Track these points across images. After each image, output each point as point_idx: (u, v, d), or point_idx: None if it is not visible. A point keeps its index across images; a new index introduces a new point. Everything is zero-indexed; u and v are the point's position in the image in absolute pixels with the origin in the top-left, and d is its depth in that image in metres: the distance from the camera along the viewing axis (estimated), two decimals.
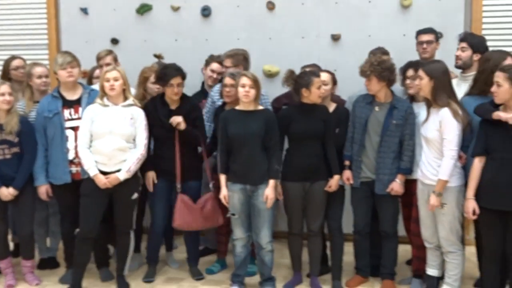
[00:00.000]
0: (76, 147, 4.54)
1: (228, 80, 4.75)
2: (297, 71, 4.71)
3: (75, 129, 4.57)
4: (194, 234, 5.01)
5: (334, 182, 4.54)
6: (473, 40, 4.68)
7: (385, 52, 4.90)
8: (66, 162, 4.59)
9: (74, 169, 4.60)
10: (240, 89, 4.37)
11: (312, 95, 4.45)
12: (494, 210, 3.87)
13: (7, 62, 5.19)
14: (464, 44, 4.68)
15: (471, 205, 3.93)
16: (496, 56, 4.20)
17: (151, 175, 4.73)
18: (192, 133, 4.71)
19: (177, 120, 4.60)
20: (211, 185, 4.78)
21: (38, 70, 4.93)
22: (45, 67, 5.08)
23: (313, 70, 4.65)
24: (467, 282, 4.60)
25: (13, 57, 5.24)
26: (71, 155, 4.58)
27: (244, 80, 4.37)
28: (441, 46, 5.08)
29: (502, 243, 3.91)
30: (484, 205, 3.90)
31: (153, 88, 5.02)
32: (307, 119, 4.50)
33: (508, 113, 3.74)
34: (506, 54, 4.24)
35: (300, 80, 4.48)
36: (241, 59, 5.16)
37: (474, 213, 3.94)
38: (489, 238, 4.00)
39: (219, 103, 5.06)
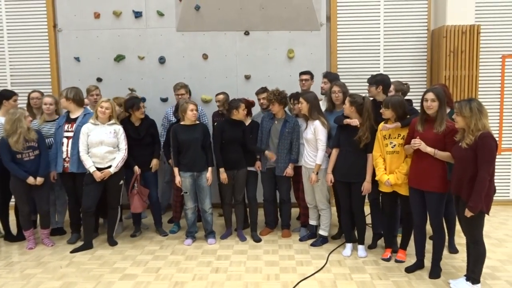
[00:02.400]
0: (67, 150, 4.61)
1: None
2: None
3: (68, 138, 4.63)
4: (157, 207, 5.07)
5: (258, 164, 4.78)
6: (330, 77, 4.94)
7: (266, 90, 4.96)
8: (61, 159, 4.64)
9: (65, 164, 4.65)
10: (190, 112, 4.53)
11: (240, 114, 4.67)
12: (343, 181, 4.25)
13: (29, 94, 5.11)
14: (325, 79, 4.95)
15: (329, 177, 4.31)
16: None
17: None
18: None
19: None
20: (135, 186, 4.81)
21: (44, 100, 4.94)
22: (53, 97, 5.01)
23: (240, 98, 4.82)
24: (333, 228, 4.93)
25: (32, 91, 5.15)
26: (64, 155, 4.63)
27: (193, 107, 4.56)
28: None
29: (349, 202, 4.28)
30: (337, 178, 4.28)
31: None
32: (233, 130, 4.69)
33: (351, 120, 4.16)
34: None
35: (232, 104, 4.68)
36: (188, 90, 5.31)
37: (331, 181, 4.32)
38: (342, 199, 4.37)
39: (173, 119, 5.14)
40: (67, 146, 4.63)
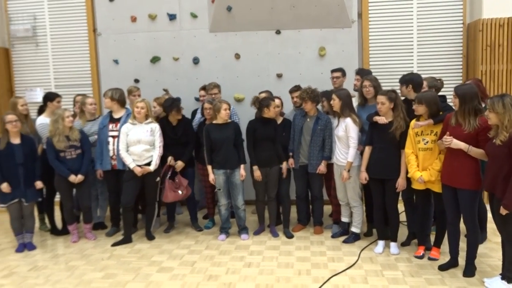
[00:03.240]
0: (114, 149, 4.82)
1: (207, 105, 5.01)
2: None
3: (113, 137, 4.85)
4: (193, 203, 5.24)
5: (284, 166, 4.84)
6: (363, 73, 4.90)
7: (299, 88, 5.04)
8: (108, 157, 4.87)
9: (113, 162, 4.87)
10: (223, 112, 4.65)
11: (271, 112, 4.73)
12: (377, 178, 4.25)
13: (74, 98, 5.43)
14: (358, 76, 4.94)
15: (363, 175, 4.32)
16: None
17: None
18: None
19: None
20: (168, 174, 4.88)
21: (88, 100, 5.22)
22: (93, 98, 5.31)
23: (271, 96, 4.88)
24: (364, 225, 4.86)
25: (77, 95, 5.45)
26: (110, 153, 4.86)
27: (226, 106, 4.68)
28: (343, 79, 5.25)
29: (383, 199, 4.27)
30: (371, 175, 4.28)
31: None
32: (265, 128, 4.75)
33: (379, 118, 4.15)
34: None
35: (263, 102, 4.74)
36: (219, 89, 5.46)
37: (365, 179, 4.33)
38: (375, 196, 4.34)
39: (202, 117, 5.23)
40: (113, 144, 4.84)
